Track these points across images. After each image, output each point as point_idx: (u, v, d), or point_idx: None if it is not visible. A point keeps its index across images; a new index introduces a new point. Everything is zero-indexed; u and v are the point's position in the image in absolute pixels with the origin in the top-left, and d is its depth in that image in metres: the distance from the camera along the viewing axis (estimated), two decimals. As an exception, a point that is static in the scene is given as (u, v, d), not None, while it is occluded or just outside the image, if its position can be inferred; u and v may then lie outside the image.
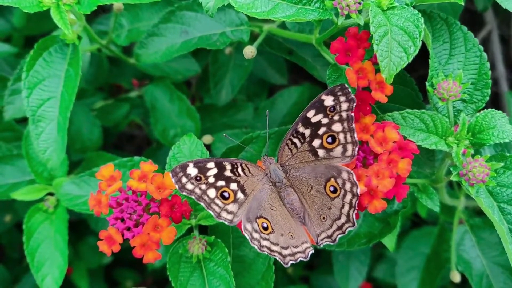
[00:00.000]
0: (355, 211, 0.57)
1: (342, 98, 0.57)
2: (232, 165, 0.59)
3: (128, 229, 0.60)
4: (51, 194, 0.83)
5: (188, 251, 0.64)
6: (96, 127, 0.98)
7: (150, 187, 0.60)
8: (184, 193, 0.57)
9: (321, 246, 0.59)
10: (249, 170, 0.60)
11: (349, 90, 0.56)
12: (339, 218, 0.58)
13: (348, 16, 0.56)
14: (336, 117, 0.57)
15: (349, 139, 0.57)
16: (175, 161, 0.67)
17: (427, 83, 0.62)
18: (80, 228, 1.11)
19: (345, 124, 0.57)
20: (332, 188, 0.58)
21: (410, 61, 0.52)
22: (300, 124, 0.59)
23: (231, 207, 0.58)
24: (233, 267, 0.62)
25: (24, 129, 0.85)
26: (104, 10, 1.08)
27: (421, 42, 0.52)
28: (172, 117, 0.94)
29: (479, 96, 0.63)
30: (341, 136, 0.57)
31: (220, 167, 0.58)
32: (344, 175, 0.57)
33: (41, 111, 0.71)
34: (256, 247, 0.57)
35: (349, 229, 0.58)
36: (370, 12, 0.52)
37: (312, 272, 1.20)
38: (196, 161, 0.58)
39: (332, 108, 0.57)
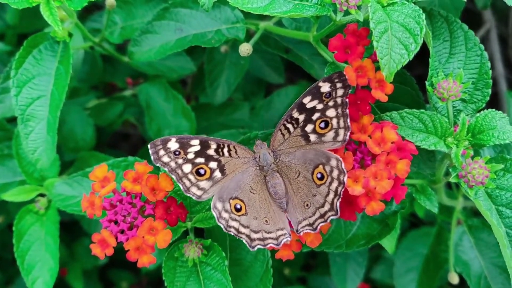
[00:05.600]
0: (340, 200, 0.56)
1: (338, 85, 0.57)
2: (218, 145, 0.59)
3: (122, 232, 0.59)
4: (42, 195, 0.81)
5: (184, 255, 0.63)
6: (90, 126, 0.97)
7: (145, 188, 0.58)
8: (157, 164, 0.58)
9: (301, 233, 0.58)
10: (236, 151, 0.60)
11: (346, 77, 0.56)
12: (322, 206, 0.57)
13: (347, 12, 0.54)
14: (331, 103, 0.57)
15: (341, 124, 0.57)
16: (170, 161, 0.65)
17: (427, 83, 0.61)
18: (75, 229, 1.10)
19: (339, 110, 0.57)
20: (319, 175, 0.58)
21: (411, 59, 0.50)
22: (295, 110, 0.59)
23: (204, 183, 0.58)
24: (230, 271, 0.61)
25: (15, 128, 0.83)
26: (97, 7, 1.06)
27: (422, 39, 0.51)
28: (167, 116, 0.93)
29: (479, 96, 0.62)
30: (334, 121, 0.58)
31: (204, 145, 0.59)
32: (333, 162, 0.57)
33: (30, 110, 0.70)
34: (222, 226, 0.57)
35: (332, 217, 0.57)
36: (370, 8, 0.51)
37: (310, 273, 1.19)
38: (179, 137, 0.58)
39: (327, 94, 0.57)
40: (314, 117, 0.58)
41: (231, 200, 0.58)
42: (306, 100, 0.58)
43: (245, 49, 0.69)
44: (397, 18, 0.52)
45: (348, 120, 0.57)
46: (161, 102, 0.94)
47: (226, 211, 0.58)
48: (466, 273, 0.82)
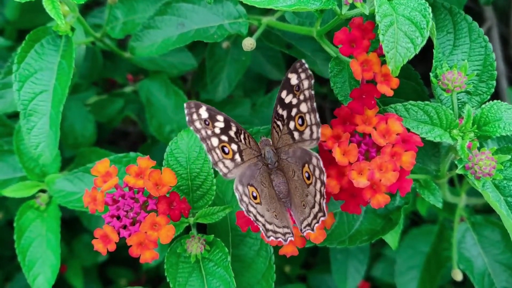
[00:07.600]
0: (325, 200, 0.55)
1: (302, 76, 0.55)
2: (237, 129, 0.58)
3: (125, 227, 0.58)
4: (43, 191, 0.81)
5: (187, 250, 0.62)
6: (90, 122, 0.96)
7: (148, 183, 0.58)
8: (191, 128, 0.56)
9: (304, 233, 0.57)
10: (249, 141, 0.59)
11: (307, 66, 0.54)
12: (313, 206, 0.56)
13: (352, 6, 0.54)
14: (301, 97, 0.55)
15: (313, 120, 0.56)
16: (173, 157, 0.65)
17: (431, 74, 0.60)
18: (75, 226, 1.09)
19: (309, 104, 0.55)
20: (307, 175, 0.57)
21: (417, 52, 0.50)
22: (278, 106, 0.57)
23: (228, 163, 0.58)
24: (232, 267, 0.61)
25: (15, 124, 0.83)
26: (97, 3, 1.06)
27: (428, 32, 0.50)
28: (168, 113, 0.93)
29: (484, 88, 0.62)
30: (307, 117, 0.56)
31: (227, 125, 0.58)
32: (314, 161, 0.56)
33: (32, 105, 0.69)
34: (243, 209, 0.56)
35: (322, 218, 0.56)
36: (376, 1, 0.51)
37: (310, 271, 1.19)
38: (208, 107, 0.57)
39: (297, 87, 0.55)
40: (293, 113, 0.56)
41: (248, 186, 0.57)
42: (283, 95, 0.56)
43: (249, 43, 0.68)
44: (403, 12, 0.52)
45: (317, 116, 0.55)
46: (161, 98, 0.93)
47: (246, 195, 0.57)
48: (469, 270, 0.81)
